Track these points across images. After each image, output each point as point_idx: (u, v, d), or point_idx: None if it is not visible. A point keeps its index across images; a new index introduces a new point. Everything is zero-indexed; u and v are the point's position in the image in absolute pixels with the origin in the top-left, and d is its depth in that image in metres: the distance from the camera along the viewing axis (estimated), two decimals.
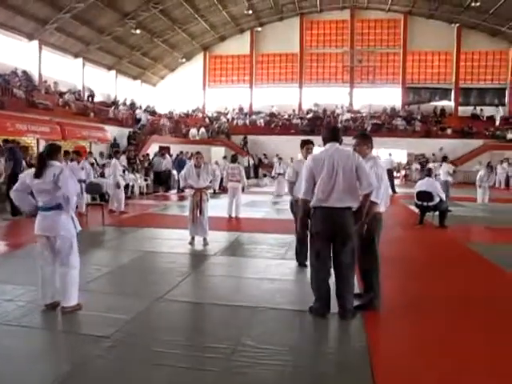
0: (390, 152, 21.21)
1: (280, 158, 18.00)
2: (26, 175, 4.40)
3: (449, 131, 28.19)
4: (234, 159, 11.89)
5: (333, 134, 4.39)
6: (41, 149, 16.04)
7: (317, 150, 4.71)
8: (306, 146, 5.95)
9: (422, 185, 10.02)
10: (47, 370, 3.26)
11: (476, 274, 6.07)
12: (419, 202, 9.95)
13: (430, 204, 9.70)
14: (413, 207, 11.12)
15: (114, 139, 21.64)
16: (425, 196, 9.72)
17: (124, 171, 14.70)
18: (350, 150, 4.40)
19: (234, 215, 11.07)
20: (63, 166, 4.42)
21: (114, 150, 13.95)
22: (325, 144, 4.36)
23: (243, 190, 10.85)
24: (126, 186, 15.17)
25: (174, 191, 17.96)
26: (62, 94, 21.45)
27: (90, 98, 24.13)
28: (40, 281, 4.36)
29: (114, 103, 26.15)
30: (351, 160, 4.14)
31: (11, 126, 15.20)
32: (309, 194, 4.24)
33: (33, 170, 4.41)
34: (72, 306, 4.29)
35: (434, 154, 26.34)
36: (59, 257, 4.32)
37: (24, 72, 20.48)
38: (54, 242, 4.31)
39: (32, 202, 4.41)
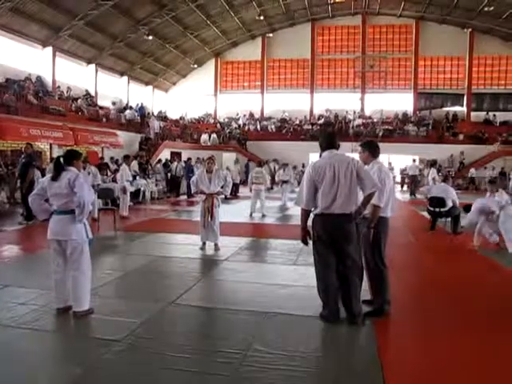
0: (414, 158, 21.36)
1: (285, 164, 16.53)
2: (45, 179, 4.48)
3: (461, 137, 27.98)
4: (259, 164, 13.76)
5: (330, 140, 4.38)
6: (54, 154, 16.24)
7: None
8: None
9: (435, 190, 9.96)
10: (59, 373, 3.29)
11: (489, 280, 6.00)
12: (431, 208, 9.88)
13: (443, 210, 9.63)
14: (424, 213, 11.04)
15: None
16: (437, 202, 9.65)
17: (135, 176, 14.79)
18: (349, 156, 4.39)
19: (260, 214, 12.27)
20: (78, 172, 4.45)
21: (124, 155, 14.05)
22: (322, 151, 4.35)
23: (271, 188, 13.06)
24: (138, 192, 15.27)
25: (184, 197, 18.02)
26: (74, 100, 21.67)
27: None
28: (54, 285, 4.40)
29: (125, 109, 26.33)
30: (351, 166, 4.14)
31: (25, 131, 15.39)
32: (310, 204, 4.23)
33: (49, 175, 4.47)
34: (84, 311, 4.31)
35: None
36: (70, 262, 4.35)
37: (38, 78, 20.75)
38: (65, 247, 4.34)
39: (48, 209, 4.45)
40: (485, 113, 29.75)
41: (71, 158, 4.49)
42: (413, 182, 19.85)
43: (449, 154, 26.71)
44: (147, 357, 3.49)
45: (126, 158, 13.02)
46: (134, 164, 16.24)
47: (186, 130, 28.78)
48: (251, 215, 12.24)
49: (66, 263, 4.37)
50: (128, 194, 12.13)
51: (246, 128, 31.10)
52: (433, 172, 16.36)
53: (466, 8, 26.58)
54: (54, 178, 4.31)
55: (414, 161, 20.70)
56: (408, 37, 31.20)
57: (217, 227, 7.62)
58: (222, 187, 7.82)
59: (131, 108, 25.24)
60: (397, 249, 7.34)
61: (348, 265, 4.19)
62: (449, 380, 3.26)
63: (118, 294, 5.20)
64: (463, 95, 30.48)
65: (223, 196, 8.71)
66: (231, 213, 12.13)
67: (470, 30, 29.22)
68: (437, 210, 9.72)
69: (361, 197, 4.24)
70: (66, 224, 4.30)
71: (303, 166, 24.46)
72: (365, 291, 4.65)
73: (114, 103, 24.78)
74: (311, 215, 4.31)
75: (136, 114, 24.94)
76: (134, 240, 8.74)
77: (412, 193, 19.46)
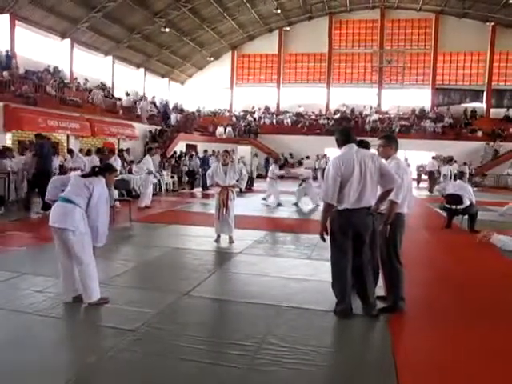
0: (433, 155, 21.30)
1: (307, 157, 16.25)
2: (76, 173, 4.59)
3: (479, 133, 27.54)
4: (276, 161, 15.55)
5: (348, 135, 4.32)
6: (71, 145, 16.39)
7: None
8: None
9: (453, 187, 9.83)
10: (73, 361, 3.34)
11: (507, 279, 5.92)
12: (448, 206, 9.75)
13: (460, 207, 9.50)
14: (439, 210, 10.89)
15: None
16: (454, 199, 9.52)
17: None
18: (370, 151, 4.38)
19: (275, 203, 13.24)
20: (104, 188, 4.45)
21: (148, 147, 14.13)
22: (340, 146, 4.30)
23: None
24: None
25: (199, 189, 18.07)
26: (91, 91, 21.80)
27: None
28: (61, 275, 4.42)
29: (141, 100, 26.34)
30: (374, 161, 4.15)
31: (43, 122, 15.57)
32: (335, 199, 4.16)
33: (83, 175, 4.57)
34: (94, 301, 4.32)
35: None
36: (72, 256, 4.28)
37: (56, 69, 20.91)
38: (64, 237, 4.23)
39: (58, 194, 4.46)
40: (505, 109, 29.21)
41: (106, 170, 4.58)
42: (431, 178, 19.81)
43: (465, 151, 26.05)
44: (161, 347, 3.51)
45: (150, 150, 13.06)
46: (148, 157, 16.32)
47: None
48: (265, 199, 13.77)
49: (69, 252, 4.30)
50: (150, 185, 12.20)
51: (262, 122, 31.02)
52: (446, 169, 16.20)
53: (490, 1, 25.99)
54: (84, 176, 4.41)
55: (433, 157, 20.64)
56: (427, 31, 30.73)
57: (232, 220, 7.62)
58: (237, 180, 7.83)
59: (128, 94, 24.43)
60: (412, 246, 7.27)
61: (365, 257, 4.20)
62: (462, 376, 3.22)
63: (132, 284, 5.24)
64: (483, 91, 29.94)
65: (238, 189, 8.73)
66: (246, 206, 12.15)
67: (492, 23, 28.54)
68: (453, 207, 9.59)
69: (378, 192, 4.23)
70: (65, 212, 4.22)
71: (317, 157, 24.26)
72: (379, 287, 4.63)
73: (128, 94, 24.42)
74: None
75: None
76: (149, 231, 8.82)
77: (430, 189, 19.32)
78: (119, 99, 23.74)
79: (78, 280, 4.36)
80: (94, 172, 4.48)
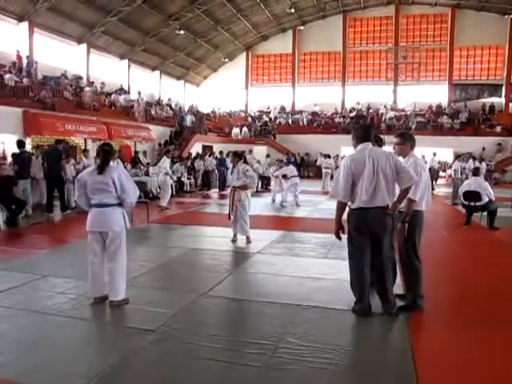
0: (435, 152, 21.22)
1: (328, 156, 17.95)
2: (84, 174, 4.59)
3: (498, 129, 27.05)
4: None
5: (366, 133, 4.32)
6: (88, 148, 16.60)
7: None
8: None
9: (470, 184, 9.69)
10: (94, 361, 3.38)
11: None
12: (466, 202, 9.62)
13: (478, 204, 9.37)
14: (459, 207, 10.76)
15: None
16: (472, 196, 9.40)
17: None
18: (386, 149, 4.36)
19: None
20: (120, 169, 4.64)
21: (166, 149, 14.29)
22: (357, 144, 4.29)
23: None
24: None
25: (216, 190, 18.15)
26: (108, 95, 21.99)
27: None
28: (90, 275, 4.53)
29: (158, 103, 26.54)
30: (389, 159, 4.11)
31: (61, 126, 15.82)
32: (347, 197, 4.17)
33: (90, 168, 4.64)
34: (119, 300, 4.43)
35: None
36: (109, 252, 4.47)
37: (75, 77, 21.12)
38: (105, 238, 4.46)
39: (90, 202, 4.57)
40: None
41: (108, 157, 4.58)
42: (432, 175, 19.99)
43: (486, 146, 25.56)
44: (180, 346, 3.56)
45: (167, 152, 13.25)
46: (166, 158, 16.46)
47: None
48: (273, 201, 13.87)
49: (104, 254, 4.50)
50: (169, 186, 12.33)
51: (277, 121, 30.96)
52: (456, 164, 16.04)
53: None
54: (100, 172, 4.42)
55: (434, 154, 20.79)
56: (443, 26, 30.25)
57: (244, 221, 7.61)
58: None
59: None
60: (431, 243, 7.19)
61: (384, 257, 4.18)
62: (483, 377, 3.19)
63: (151, 285, 5.29)
64: (501, 85, 29.33)
65: (254, 189, 8.79)
66: (263, 206, 12.17)
67: (511, 16, 27.96)
68: (472, 204, 9.47)
69: (397, 190, 4.19)
70: (108, 216, 4.42)
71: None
72: (398, 285, 4.61)
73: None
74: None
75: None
76: (167, 232, 8.90)
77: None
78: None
79: (104, 282, 4.50)
80: (104, 165, 4.46)
